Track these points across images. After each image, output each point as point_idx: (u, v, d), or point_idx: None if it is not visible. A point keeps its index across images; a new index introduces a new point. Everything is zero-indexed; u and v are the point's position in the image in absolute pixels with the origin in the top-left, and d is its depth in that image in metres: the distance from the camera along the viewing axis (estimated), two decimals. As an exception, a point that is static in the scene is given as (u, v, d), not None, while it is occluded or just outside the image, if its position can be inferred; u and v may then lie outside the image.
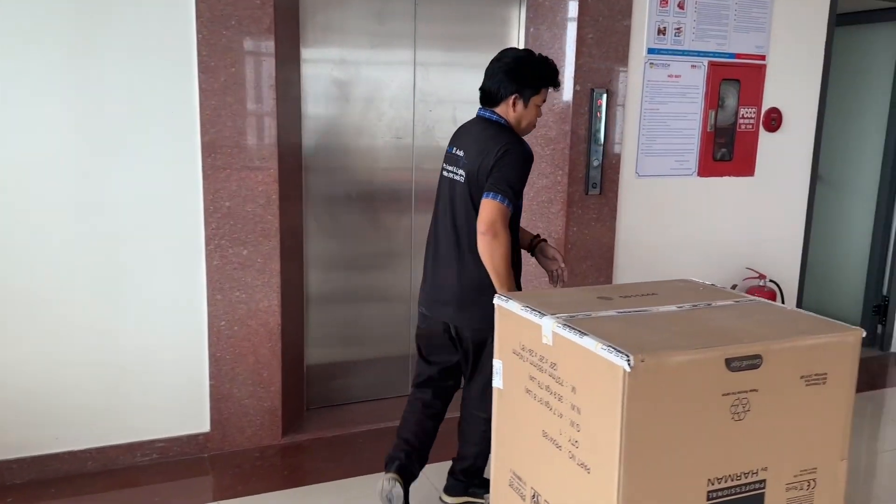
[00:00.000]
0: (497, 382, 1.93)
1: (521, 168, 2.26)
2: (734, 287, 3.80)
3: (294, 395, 3.22)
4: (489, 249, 2.21)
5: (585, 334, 1.58)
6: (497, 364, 1.91)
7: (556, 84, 2.35)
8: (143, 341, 2.83)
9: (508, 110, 2.33)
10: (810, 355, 1.64)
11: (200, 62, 2.73)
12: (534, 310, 1.76)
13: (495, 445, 2.02)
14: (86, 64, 2.60)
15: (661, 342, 1.57)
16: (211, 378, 2.94)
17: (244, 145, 2.83)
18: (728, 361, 1.55)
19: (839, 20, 4.04)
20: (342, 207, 3.33)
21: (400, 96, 3.35)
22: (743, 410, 1.59)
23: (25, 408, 2.69)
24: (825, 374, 1.65)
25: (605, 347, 1.50)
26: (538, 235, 2.56)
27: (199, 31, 2.71)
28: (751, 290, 3.75)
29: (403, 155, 3.41)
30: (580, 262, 3.53)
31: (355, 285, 3.42)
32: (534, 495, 1.82)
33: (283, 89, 2.93)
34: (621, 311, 1.79)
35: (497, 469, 2.01)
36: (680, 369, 1.51)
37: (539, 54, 2.36)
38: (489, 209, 2.20)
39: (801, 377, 1.64)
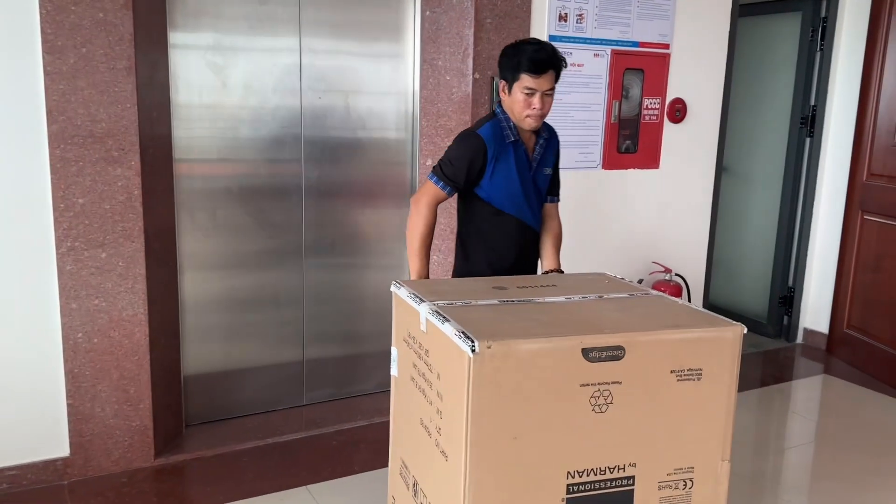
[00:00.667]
0: (393, 370, 1.91)
1: (455, 151, 2.29)
2: (640, 281, 3.71)
3: (169, 412, 2.93)
4: (408, 221, 2.30)
5: (448, 321, 1.52)
6: (393, 352, 1.89)
7: (529, 70, 2.19)
8: (-16, 358, 2.50)
9: (502, 98, 2.32)
10: (681, 349, 1.54)
11: (45, 41, 2.42)
12: (417, 296, 1.71)
13: (391, 434, 2.00)
14: None
15: (519, 330, 1.50)
16: (68, 396, 2.63)
17: (99, 135, 2.52)
18: (585, 351, 1.47)
19: (742, 10, 4.01)
20: (222, 203, 3.05)
21: (285, 84, 3.09)
22: (605, 402, 1.51)
23: None
24: (700, 369, 1.55)
25: (457, 333, 1.45)
26: (557, 269, 2.47)
27: (42, 6, 2.40)
28: (657, 285, 3.67)
29: (291, 145, 3.15)
30: (484, 260, 3.36)
31: (240, 288, 3.15)
32: (414, 483, 1.79)
33: (146, 74, 2.64)
34: (504, 300, 1.73)
35: (392, 458, 2.00)
36: (532, 357, 1.45)
37: (532, 40, 2.29)
38: (421, 185, 2.34)
39: (672, 371, 1.54)
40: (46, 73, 2.43)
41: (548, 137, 2.42)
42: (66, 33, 2.44)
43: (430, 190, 2.26)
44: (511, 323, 1.56)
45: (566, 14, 3.37)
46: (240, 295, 3.15)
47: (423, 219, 2.25)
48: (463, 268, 2.43)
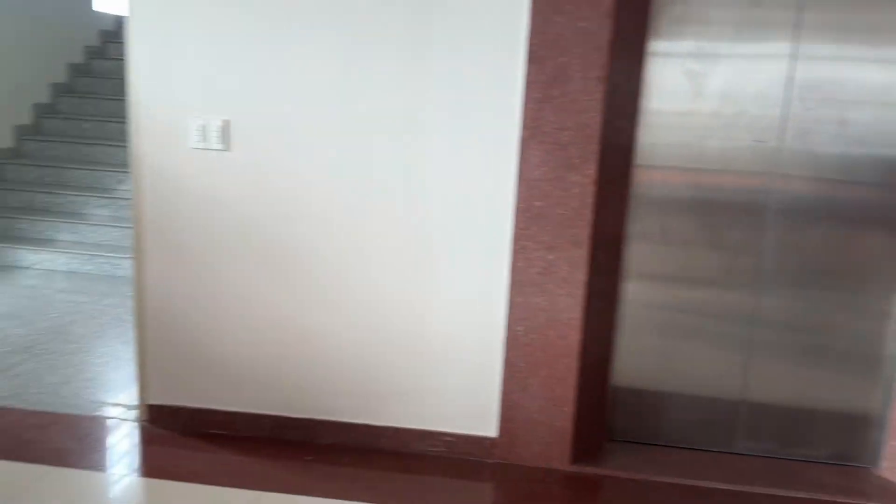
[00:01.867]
0: None
1: None
2: None
3: (591, 422, 2.90)
4: None
5: None
6: None
7: None
8: (445, 332, 2.82)
9: None
10: None
11: (530, 51, 2.57)
12: None
13: None
14: (418, 54, 2.63)
15: None
16: (503, 382, 2.80)
17: (563, 143, 2.59)
18: None
19: None
20: (675, 214, 2.87)
21: (767, 92, 2.74)
22: None
23: (338, 375, 2.90)
24: None
25: None
26: None
27: (532, 18, 2.55)
28: None
29: (763, 159, 2.79)
30: None
31: (680, 308, 2.93)
32: None
33: (617, 81, 2.61)
34: None
35: None
36: None
37: None
38: None
39: None
40: (527, 81, 2.59)
41: None
42: (548, 44, 2.55)
43: None
44: None
45: None
46: (680, 316, 2.94)
47: None
48: None
